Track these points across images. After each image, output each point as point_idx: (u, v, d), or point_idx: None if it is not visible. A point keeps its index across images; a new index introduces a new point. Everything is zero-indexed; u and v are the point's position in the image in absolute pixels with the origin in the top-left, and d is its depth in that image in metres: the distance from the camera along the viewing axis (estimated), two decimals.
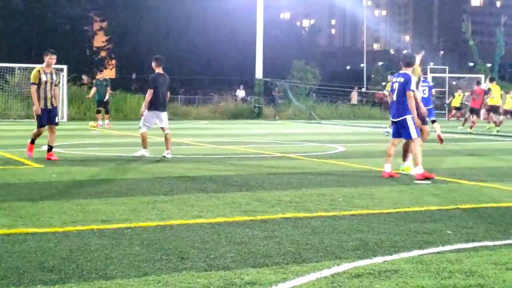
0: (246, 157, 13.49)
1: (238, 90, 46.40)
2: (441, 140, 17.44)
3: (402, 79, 10.02)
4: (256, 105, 38.08)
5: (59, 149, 14.83)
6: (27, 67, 32.21)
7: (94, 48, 72.67)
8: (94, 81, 27.20)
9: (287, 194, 8.27)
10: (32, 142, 12.59)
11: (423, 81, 18.30)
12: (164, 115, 12.95)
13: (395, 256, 5.13)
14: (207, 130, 25.09)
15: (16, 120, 29.75)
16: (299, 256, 5.12)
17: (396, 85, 10.08)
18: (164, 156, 12.74)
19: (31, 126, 25.09)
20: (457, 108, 37.90)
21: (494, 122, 24.77)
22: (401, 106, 9.99)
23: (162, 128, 12.94)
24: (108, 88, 25.92)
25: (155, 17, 63.99)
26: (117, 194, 8.17)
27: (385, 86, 21.94)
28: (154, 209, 7.11)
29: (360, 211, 7.14)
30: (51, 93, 11.97)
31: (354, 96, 46.08)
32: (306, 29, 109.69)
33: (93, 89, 26.12)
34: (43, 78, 11.86)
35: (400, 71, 10.25)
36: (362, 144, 18.06)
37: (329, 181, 9.65)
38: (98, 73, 27.22)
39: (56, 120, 12.37)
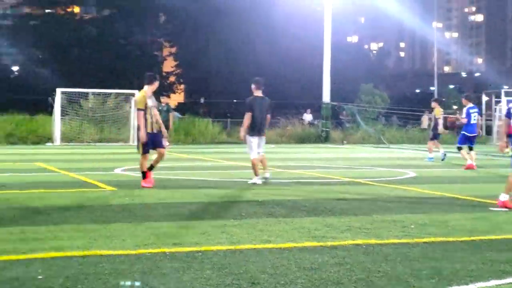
0: (313, 182, 13.43)
1: (305, 114, 46.35)
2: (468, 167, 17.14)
3: None
4: (324, 129, 37.93)
5: (130, 172, 15.15)
6: (100, 92, 33.19)
7: (164, 73, 74.22)
8: (159, 106, 26.74)
9: (357, 220, 8.17)
10: (144, 175, 11.83)
11: (474, 108, 18.04)
12: (263, 140, 12.76)
13: (471, 286, 4.99)
14: (274, 154, 25.11)
15: (89, 144, 30.56)
16: (371, 284, 5.04)
17: None
18: (265, 178, 12.63)
19: (104, 150, 25.84)
20: None
21: None
22: None
23: (259, 153, 12.70)
24: (171, 114, 24.46)
25: (223, 43, 64.93)
26: (187, 217, 8.26)
27: (456, 110, 21.64)
28: (223, 233, 7.15)
29: (433, 239, 6.99)
30: (155, 118, 11.79)
31: (425, 120, 45.30)
32: (374, 52, 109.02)
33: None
34: (149, 103, 11.61)
35: None
36: (434, 169, 17.72)
37: (400, 207, 9.49)
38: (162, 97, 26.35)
39: (165, 143, 12.41)
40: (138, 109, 11.57)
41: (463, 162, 17.92)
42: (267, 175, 12.68)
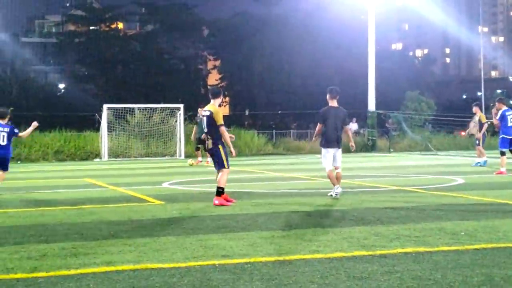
0: (361, 191, 13.36)
1: (351, 123, 46.15)
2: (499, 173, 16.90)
3: None
4: (370, 137, 37.69)
5: (178, 185, 15.31)
6: (146, 107, 33.65)
7: (209, 86, 74.81)
8: (196, 117, 25.31)
9: (406, 228, 8.10)
10: (222, 192, 11.16)
11: (508, 110, 17.73)
12: (338, 152, 12.01)
13: None
14: (320, 164, 25.04)
15: (136, 159, 30.98)
16: None
17: None
18: (336, 193, 11.83)
19: (151, 164, 26.18)
20: None
21: None
22: None
23: (334, 166, 12.03)
24: None
25: (266, 54, 65.14)
26: (236, 229, 8.31)
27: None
28: (272, 244, 7.17)
29: (484, 245, 6.88)
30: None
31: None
32: (419, 59, 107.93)
33: (194, 129, 25.22)
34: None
35: None
36: (482, 175, 17.43)
37: (449, 215, 9.37)
38: (200, 108, 25.47)
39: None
40: (220, 125, 11.17)
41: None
42: (338, 189, 11.89)
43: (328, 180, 12.22)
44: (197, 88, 70.58)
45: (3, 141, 13.08)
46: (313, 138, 12.14)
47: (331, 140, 11.85)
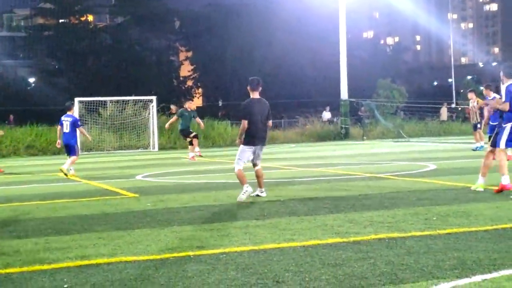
0: (335, 179, 13.43)
1: (324, 112, 46.33)
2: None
3: None
4: (343, 126, 37.88)
5: (151, 178, 15.25)
6: (118, 100, 33.42)
7: (181, 78, 74.53)
8: (180, 110, 24.47)
9: (379, 215, 8.18)
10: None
11: (493, 98, 17.91)
12: (261, 149, 10.57)
13: (495, 274, 4.98)
14: (295, 153, 25.14)
15: (109, 152, 30.79)
16: (395, 277, 5.05)
17: None
18: (257, 195, 10.49)
19: (125, 157, 26.03)
20: None
21: None
22: None
23: (253, 163, 10.56)
24: (196, 119, 23.77)
25: (238, 45, 65.09)
26: (210, 220, 8.32)
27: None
28: (247, 234, 7.19)
29: (456, 229, 6.98)
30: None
31: (444, 112, 45.09)
32: (391, 47, 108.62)
33: (174, 118, 24.02)
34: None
35: None
36: (454, 161, 17.63)
37: (421, 200, 9.47)
38: (188, 102, 25.58)
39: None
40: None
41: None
42: (261, 193, 10.49)
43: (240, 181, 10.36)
44: (170, 80, 70.25)
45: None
46: (237, 140, 10.44)
47: (257, 136, 10.26)
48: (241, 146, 10.38)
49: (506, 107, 9.94)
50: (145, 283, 5.18)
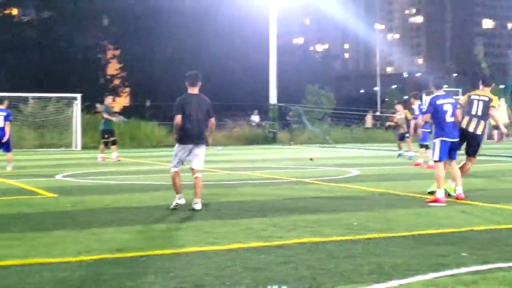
0: (261, 183, 13.46)
1: (252, 116, 46.51)
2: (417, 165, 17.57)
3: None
4: (271, 130, 38.12)
5: (72, 178, 14.89)
6: (41, 97, 32.52)
7: (108, 76, 73.31)
8: (102, 106, 23.24)
9: (303, 219, 8.22)
10: None
11: (420, 105, 18.45)
12: (200, 151, 9.61)
13: (410, 280, 5.07)
14: (222, 156, 25.09)
15: (30, 150, 29.90)
16: (314, 281, 5.07)
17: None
18: (193, 208, 9.21)
19: (45, 156, 25.36)
20: (497, 127, 37.92)
21: None
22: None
23: (191, 169, 9.65)
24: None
25: (168, 44, 64.60)
26: (132, 222, 8.16)
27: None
28: (168, 237, 7.09)
29: (375, 235, 7.08)
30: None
31: (369, 120, 46.04)
32: (320, 53, 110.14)
33: (109, 116, 22.24)
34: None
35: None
36: (377, 167, 17.98)
37: (344, 205, 9.59)
38: (108, 98, 23.54)
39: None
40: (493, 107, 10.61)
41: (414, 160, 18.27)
42: (196, 205, 9.28)
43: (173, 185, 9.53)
44: (96, 78, 68.97)
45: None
46: (174, 136, 9.60)
47: (190, 134, 9.39)
48: (177, 145, 9.58)
49: (427, 118, 10.20)
50: (60, 286, 5.02)
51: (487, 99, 10.50)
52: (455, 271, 5.36)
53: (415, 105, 18.31)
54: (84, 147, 30.81)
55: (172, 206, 9.33)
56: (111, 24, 71.23)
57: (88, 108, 34.82)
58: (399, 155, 20.82)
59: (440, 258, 5.85)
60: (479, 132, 10.50)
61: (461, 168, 10.60)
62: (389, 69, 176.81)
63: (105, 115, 22.05)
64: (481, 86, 10.73)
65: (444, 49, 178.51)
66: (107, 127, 22.00)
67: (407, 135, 20.95)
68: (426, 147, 17.99)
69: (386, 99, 61.27)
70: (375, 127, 45.22)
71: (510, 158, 21.52)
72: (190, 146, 9.51)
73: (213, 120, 9.76)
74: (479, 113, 10.51)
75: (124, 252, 6.30)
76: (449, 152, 10.11)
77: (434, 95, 10.34)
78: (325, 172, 16.27)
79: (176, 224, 7.97)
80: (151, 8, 64.87)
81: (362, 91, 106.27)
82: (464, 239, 6.77)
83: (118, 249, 6.44)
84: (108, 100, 22.98)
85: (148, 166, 19.17)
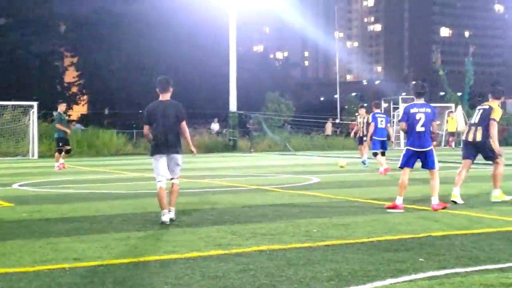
0: (221, 191, 13.44)
1: (212, 124, 46.47)
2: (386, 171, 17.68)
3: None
4: (231, 137, 38.12)
5: (28, 187, 14.66)
6: None
7: (65, 84, 72.42)
8: (55, 113, 22.66)
9: (262, 227, 8.23)
10: None
11: (380, 113, 18.67)
12: (173, 159, 8.98)
13: (368, 286, 5.12)
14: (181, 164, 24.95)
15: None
16: None
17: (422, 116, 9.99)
18: (168, 219, 8.68)
19: (1, 165, 24.87)
20: (453, 134, 38.62)
21: None
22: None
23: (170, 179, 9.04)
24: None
25: (126, 53, 64.15)
26: (90, 231, 8.06)
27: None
28: (127, 246, 7.03)
29: (334, 242, 7.13)
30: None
31: (328, 127, 46.38)
32: (280, 61, 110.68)
33: (61, 126, 21.68)
34: None
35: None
36: (336, 174, 18.11)
37: (304, 212, 9.63)
38: (61, 105, 22.81)
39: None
40: (494, 120, 10.63)
41: (376, 166, 18.44)
42: (171, 215, 8.78)
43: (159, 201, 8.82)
44: (53, 86, 68.09)
45: None
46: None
47: (163, 143, 8.83)
48: (152, 158, 8.97)
49: (403, 126, 10.26)
50: None
51: (487, 107, 10.61)
52: (413, 276, 5.42)
53: (372, 113, 18.55)
54: (41, 155, 30.33)
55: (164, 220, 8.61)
56: (69, 31, 70.52)
57: (45, 116, 34.31)
58: (364, 162, 20.76)
59: (398, 264, 5.92)
60: (478, 139, 10.62)
61: (495, 175, 10.75)
62: (348, 77, 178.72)
63: (57, 125, 21.82)
64: (490, 99, 10.85)
65: (403, 57, 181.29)
66: (62, 135, 21.67)
67: (364, 138, 21.13)
68: (376, 154, 18.22)
69: (346, 107, 61.85)
70: (335, 135, 45.56)
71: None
72: (163, 156, 8.88)
73: (183, 124, 9.06)
74: (476, 120, 10.71)
75: (81, 261, 6.22)
76: (411, 161, 10.22)
77: (411, 103, 10.50)
78: (285, 179, 16.33)
79: (134, 233, 7.90)
80: (109, 15, 64.46)
81: (322, 98, 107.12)
82: (422, 245, 6.85)
83: (75, 258, 6.36)
84: (61, 107, 22.54)
85: (106, 174, 18.98)
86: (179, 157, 9.04)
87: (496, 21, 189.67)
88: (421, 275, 5.46)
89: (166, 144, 8.87)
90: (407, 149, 10.19)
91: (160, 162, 8.89)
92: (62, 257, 6.41)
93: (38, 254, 6.57)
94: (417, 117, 9.97)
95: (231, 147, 37.45)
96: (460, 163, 11.52)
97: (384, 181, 15.55)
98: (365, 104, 25.12)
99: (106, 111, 65.87)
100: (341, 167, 20.26)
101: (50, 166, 23.17)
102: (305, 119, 45.23)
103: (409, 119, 10.04)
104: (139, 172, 19.70)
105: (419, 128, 9.95)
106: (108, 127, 42.27)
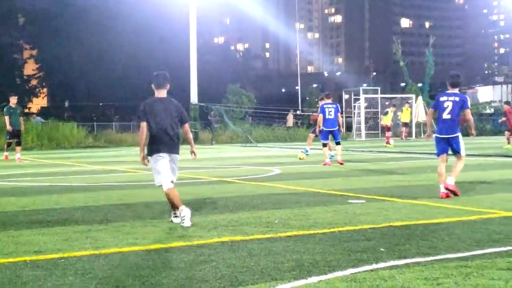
0: (182, 183, 13.39)
1: None
2: (341, 164, 17.88)
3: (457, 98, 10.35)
4: (192, 130, 38.01)
5: None
6: None
7: (25, 77, 71.31)
8: (5, 109, 22.94)
9: (224, 218, 8.27)
10: None
11: (329, 104, 18.78)
12: (174, 160, 8.34)
13: (329, 275, 5.19)
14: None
15: None
16: (235, 280, 5.13)
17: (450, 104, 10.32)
18: (171, 221, 8.16)
19: None
20: (406, 124, 39.01)
21: None
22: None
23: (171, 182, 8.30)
24: (21, 118, 22.83)
25: (86, 45, 63.34)
26: (50, 224, 8.01)
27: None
28: (88, 238, 7.00)
29: (295, 232, 7.21)
30: None
31: (290, 119, 46.59)
32: (241, 53, 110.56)
33: (7, 119, 22.37)
34: None
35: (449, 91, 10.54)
36: (298, 166, 18.24)
37: (265, 204, 9.70)
38: (12, 98, 22.82)
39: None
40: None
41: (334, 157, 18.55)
42: (174, 217, 8.16)
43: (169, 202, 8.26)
44: (12, 78, 66.94)
45: None
46: (141, 154, 8.38)
47: (163, 142, 8.14)
48: (151, 158, 8.20)
49: (431, 112, 11.03)
50: None
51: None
52: (374, 266, 5.49)
53: (321, 104, 18.69)
54: (1, 149, 29.83)
55: (183, 223, 7.80)
56: (27, 23, 69.35)
57: (2, 109, 33.70)
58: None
59: (359, 254, 6.00)
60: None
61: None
62: (309, 68, 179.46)
63: (6, 119, 22.09)
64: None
65: (363, 48, 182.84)
66: (12, 127, 22.07)
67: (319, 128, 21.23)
68: (325, 145, 18.39)
69: (307, 98, 62.15)
70: (297, 126, 45.81)
71: (427, 155, 22.24)
72: (166, 155, 8.16)
73: (186, 126, 8.49)
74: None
75: (42, 254, 6.19)
76: (445, 148, 10.47)
77: (443, 92, 10.82)
78: (247, 171, 16.39)
79: (95, 225, 7.87)
80: (69, 7, 63.51)
81: (283, 90, 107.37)
82: (382, 235, 6.96)
83: (35, 251, 6.32)
84: (12, 100, 22.48)
85: (67, 167, 18.79)
86: (178, 158, 8.42)
87: (456, 12, 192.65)
88: (382, 264, 5.55)
89: (170, 143, 8.19)
90: (436, 136, 10.58)
91: (163, 162, 8.13)
92: (23, 250, 6.37)
93: None
94: (445, 105, 10.38)
95: (193, 139, 37.35)
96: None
97: (345, 172, 15.72)
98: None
99: (66, 104, 65.09)
100: (300, 159, 20.35)
101: (10, 159, 22.86)
102: (267, 111, 45.38)
103: (438, 107, 10.50)
104: (100, 165, 19.56)
105: (445, 115, 10.35)
106: (69, 120, 41.82)
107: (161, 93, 8.39)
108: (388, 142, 30.49)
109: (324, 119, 18.26)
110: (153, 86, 8.41)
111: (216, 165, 18.81)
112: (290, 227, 7.54)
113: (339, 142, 18.56)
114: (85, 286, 4.98)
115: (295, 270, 5.39)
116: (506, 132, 27.07)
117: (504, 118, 27.70)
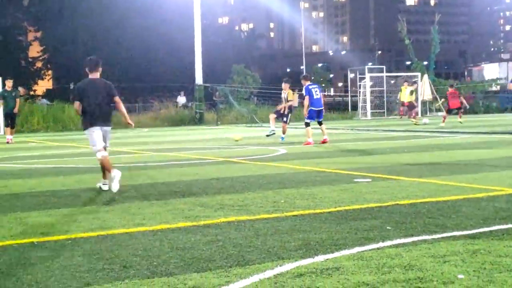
0: (188, 163, 13.45)
1: (179, 97, 46.24)
2: (323, 142, 17.95)
3: None
4: (198, 110, 38.02)
5: None
6: None
7: (30, 59, 71.29)
8: (0, 91, 23.35)
9: (230, 198, 8.29)
10: None
11: (312, 84, 18.89)
12: (106, 132, 9.77)
13: (336, 254, 5.20)
14: (148, 137, 24.89)
15: None
16: (242, 259, 5.14)
17: None
18: (100, 188, 9.50)
19: None
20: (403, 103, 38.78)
21: None
22: None
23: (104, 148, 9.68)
24: (18, 100, 23.12)
25: (91, 26, 63.23)
26: (57, 205, 8.04)
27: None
28: (95, 219, 7.02)
29: (302, 212, 7.21)
30: None
31: (295, 98, 46.45)
32: (245, 33, 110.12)
33: (1, 103, 22.91)
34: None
35: None
36: (303, 146, 18.22)
37: (271, 183, 9.70)
38: (8, 82, 23.20)
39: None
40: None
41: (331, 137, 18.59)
42: (103, 184, 9.51)
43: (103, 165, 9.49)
44: (17, 61, 66.97)
45: None
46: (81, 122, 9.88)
47: (95, 116, 9.53)
48: (87, 131, 9.66)
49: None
50: None
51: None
52: (380, 244, 5.48)
53: (305, 86, 18.72)
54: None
55: (113, 186, 9.05)
56: (31, 4, 69.21)
57: None
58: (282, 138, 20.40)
59: (365, 232, 6.00)
60: None
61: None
62: (314, 48, 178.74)
63: (0, 103, 22.86)
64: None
65: (368, 27, 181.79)
66: (7, 111, 22.90)
67: (281, 112, 21.27)
68: (308, 124, 18.43)
69: (313, 78, 62.11)
70: (302, 106, 45.67)
71: (434, 133, 22.19)
72: (98, 128, 9.59)
73: (117, 98, 9.81)
74: None
75: (50, 235, 6.21)
76: None
77: None
78: (252, 151, 16.39)
79: (102, 206, 7.90)
80: None
81: (288, 70, 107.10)
82: (389, 214, 6.95)
83: (43, 232, 6.35)
84: (8, 83, 23.10)
85: (73, 149, 18.83)
86: (110, 130, 9.85)
87: None
88: (388, 243, 5.54)
89: (100, 118, 9.59)
90: None
91: (96, 133, 9.56)
92: (30, 232, 6.40)
93: (5, 229, 6.54)
94: None
95: (198, 120, 37.38)
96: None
97: (350, 151, 15.71)
98: (331, 76, 25.27)
99: (71, 86, 65.00)
100: (236, 141, 20.04)
101: (17, 141, 22.93)
102: (272, 91, 45.25)
103: None
104: None
105: None
106: (74, 102, 41.78)
107: (94, 75, 9.75)
108: (413, 117, 31.05)
109: (311, 99, 18.40)
110: (86, 69, 9.78)
111: (222, 146, 18.82)
112: (296, 207, 7.54)
113: (321, 122, 18.73)
114: (93, 267, 5.00)
115: (302, 249, 5.39)
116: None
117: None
